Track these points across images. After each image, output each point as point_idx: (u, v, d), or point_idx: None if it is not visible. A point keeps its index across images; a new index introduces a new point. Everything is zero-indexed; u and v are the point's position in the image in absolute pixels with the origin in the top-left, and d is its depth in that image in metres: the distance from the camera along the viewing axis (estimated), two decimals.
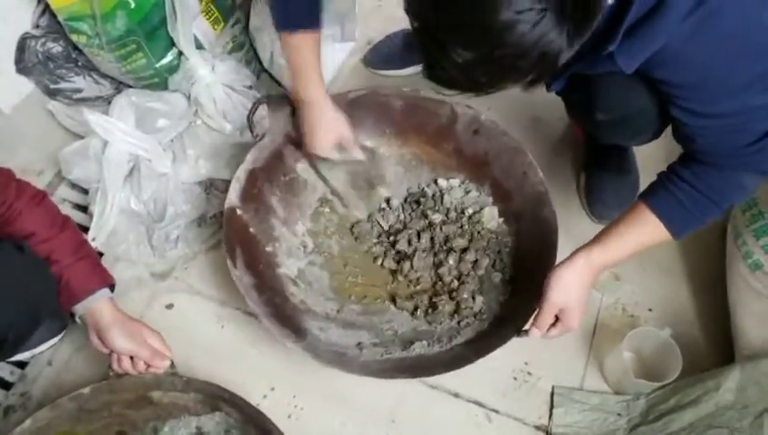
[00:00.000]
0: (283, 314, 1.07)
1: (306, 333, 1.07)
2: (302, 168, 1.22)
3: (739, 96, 0.77)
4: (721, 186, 0.86)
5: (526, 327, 0.98)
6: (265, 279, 1.11)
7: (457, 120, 1.19)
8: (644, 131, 1.03)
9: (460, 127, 1.20)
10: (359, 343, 1.10)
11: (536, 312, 0.95)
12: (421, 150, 1.24)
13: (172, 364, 1.00)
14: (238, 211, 1.10)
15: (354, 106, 1.19)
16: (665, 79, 0.80)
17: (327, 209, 1.25)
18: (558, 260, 1.00)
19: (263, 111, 1.15)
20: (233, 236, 1.08)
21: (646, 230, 0.90)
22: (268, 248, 1.15)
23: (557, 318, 0.94)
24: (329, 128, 1.10)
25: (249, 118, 1.14)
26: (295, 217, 1.21)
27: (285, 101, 1.15)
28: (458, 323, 1.12)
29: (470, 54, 0.60)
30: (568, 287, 0.92)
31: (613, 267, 0.96)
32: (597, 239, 0.93)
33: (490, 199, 1.22)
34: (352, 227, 1.25)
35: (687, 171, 0.88)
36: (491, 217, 1.21)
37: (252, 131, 1.14)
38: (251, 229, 1.12)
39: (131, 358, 0.98)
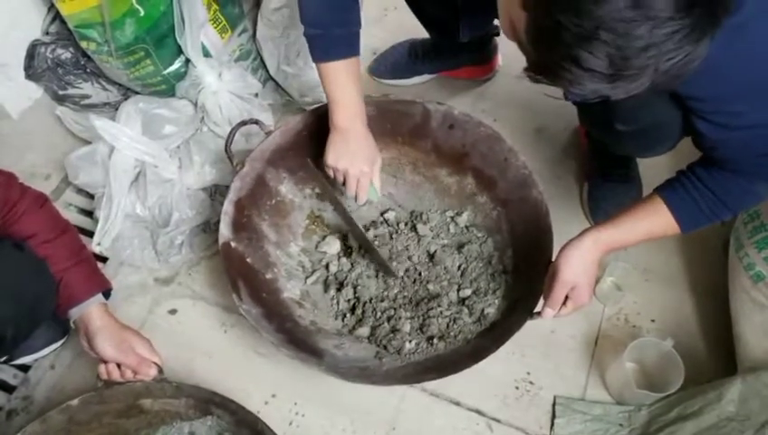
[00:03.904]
0: (297, 339, 1.07)
1: (324, 353, 1.06)
2: (285, 189, 1.22)
3: (765, 108, 0.77)
4: (735, 191, 0.89)
5: (538, 309, 0.99)
6: (272, 306, 1.10)
7: (431, 118, 1.20)
8: (663, 143, 1.04)
9: (435, 124, 1.21)
10: (377, 353, 1.10)
11: (546, 292, 0.97)
12: (399, 152, 1.25)
13: (160, 371, 0.98)
14: (233, 244, 1.10)
15: (326, 120, 1.19)
16: (692, 94, 0.80)
17: (318, 227, 1.25)
18: (555, 244, 1.01)
19: (240, 139, 1.15)
20: (233, 271, 1.08)
21: (656, 220, 0.93)
22: (268, 276, 1.15)
23: (567, 296, 0.95)
24: (345, 154, 1.07)
25: (227, 147, 1.13)
26: (287, 238, 1.21)
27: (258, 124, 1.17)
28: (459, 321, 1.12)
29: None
30: (578, 266, 0.93)
31: (619, 249, 0.98)
32: (609, 221, 0.96)
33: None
34: (344, 239, 1.24)
35: (705, 173, 0.90)
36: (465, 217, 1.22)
37: (231, 161, 1.14)
38: (248, 260, 1.12)
39: (119, 366, 0.97)
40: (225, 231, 1.10)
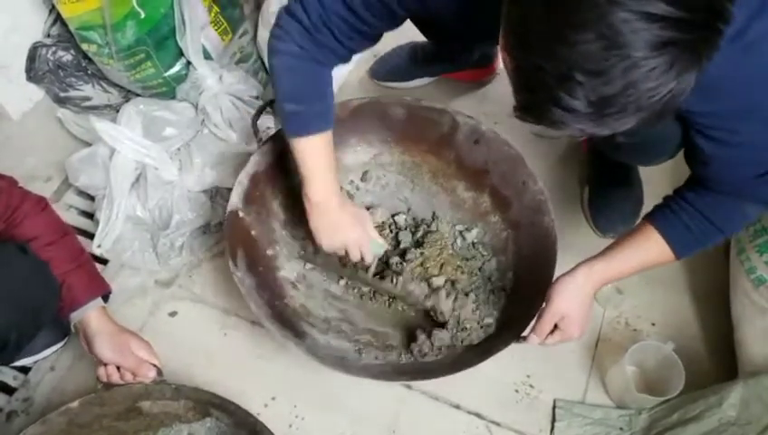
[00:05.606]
0: (282, 317, 1.08)
1: (305, 336, 1.08)
2: None
3: (761, 129, 0.77)
4: (723, 211, 0.89)
5: (525, 334, 0.99)
6: (266, 281, 1.11)
7: (458, 130, 1.20)
8: (664, 154, 1.04)
9: (461, 136, 1.21)
10: (358, 349, 1.10)
11: (536, 319, 0.96)
12: (422, 159, 1.25)
13: (160, 373, 0.98)
14: (240, 214, 1.11)
15: (357, 114, 1.21)
16: (694, 109, 0.80)
17: None
18: (557, 270, 1.01)
19: (267, 116, 1.16)
20: (235, 239, 1.09)
21: (649, 249, 0.92)
22: (269, 251, 1.16)
23: (556, 326, 0.95)
24: (336, 229, 1.06)
25: (254, 122, 1.15)
26: (296, 220, 1.21)
27: None
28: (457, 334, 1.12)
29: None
30: (570, 296, 0.93)
31: (615, 281, 0.98)
32: (601, 253, 0.95)
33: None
34: None
35: (693, 194, 0.90)
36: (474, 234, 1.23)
37: (256, 135, 1.15)
38: (252, 232, 1.13)
39: (119, 368, 0.97)
40: (235, 200, 1.10)
